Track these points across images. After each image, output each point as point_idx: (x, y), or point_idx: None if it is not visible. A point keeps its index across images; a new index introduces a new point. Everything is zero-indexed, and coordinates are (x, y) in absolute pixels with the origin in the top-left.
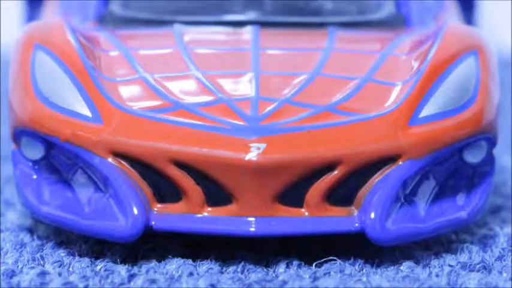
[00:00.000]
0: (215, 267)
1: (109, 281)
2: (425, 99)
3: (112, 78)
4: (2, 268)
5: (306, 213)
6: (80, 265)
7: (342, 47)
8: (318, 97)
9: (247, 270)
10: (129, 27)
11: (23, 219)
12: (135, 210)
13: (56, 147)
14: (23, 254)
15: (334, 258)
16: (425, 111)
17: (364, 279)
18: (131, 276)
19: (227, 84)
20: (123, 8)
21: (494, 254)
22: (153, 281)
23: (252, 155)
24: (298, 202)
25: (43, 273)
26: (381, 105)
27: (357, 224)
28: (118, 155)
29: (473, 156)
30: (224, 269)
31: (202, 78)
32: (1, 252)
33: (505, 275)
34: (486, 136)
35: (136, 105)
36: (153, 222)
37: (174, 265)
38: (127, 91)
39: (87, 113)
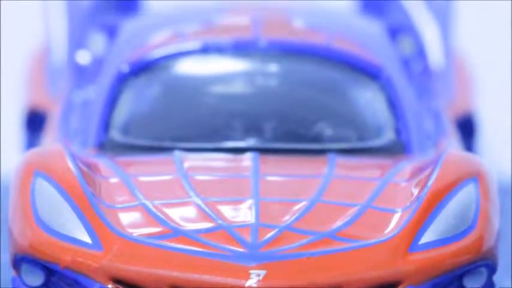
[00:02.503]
0: None
1: None
2: (425, 226)
3: (112, 204)
4: None
5: None
6: None
7: (341, 174)
8: (318, 224)
9: None
10: (129, 154)
11: None
12: None
13: (56, 273)
14: None
15: None
16: (426, 238)
17: None
18: None
19: (227, 210)
20: (123, 135)
21: None
22: None
23: (251, 282)
24: None
25: None
26: (381, 232)
27: None
28: (118, 281)
29: (473, 283)
30: None
31: (202, 205)
32: None
33: None
34: (486, 263)
35: (136, 232)
36: None
37: None
38: (127, 218)
39: (87, 239)
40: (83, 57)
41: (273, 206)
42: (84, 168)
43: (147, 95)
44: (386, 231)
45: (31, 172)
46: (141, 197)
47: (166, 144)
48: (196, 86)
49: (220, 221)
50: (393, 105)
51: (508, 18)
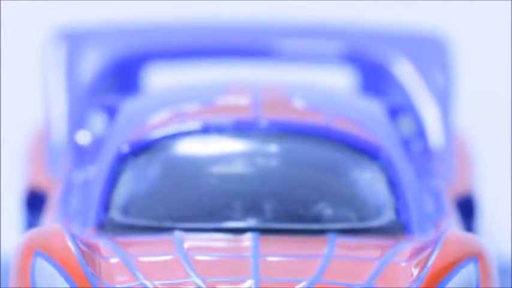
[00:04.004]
0: None
1: None
2: None
3: (112, 285)
4: None
5: None
6: None
7: (341, 254)
8: None
9: None
10: (129, 234)
11: None
12: None
13: None
14: None
15: None
16: None
17: None
18: None
19: None
20: (123, 215)
21: None
22: None
23: None
24: None
25: None
26: None
27: None
28: None
29: None
30: None
31: (202, 285)
32: None
33: None
34: None
35: None
36: None
37: None
38: None
39: None
40: (83, 137)
41: (272, 286)
42: (84, 248)
43: (147, 175)
44: None
45: (31, 252)
46: (141, 277)
47: (167, 224)
48: (197, 166)
49: None
50: (393, 185)
51: (509, 97)
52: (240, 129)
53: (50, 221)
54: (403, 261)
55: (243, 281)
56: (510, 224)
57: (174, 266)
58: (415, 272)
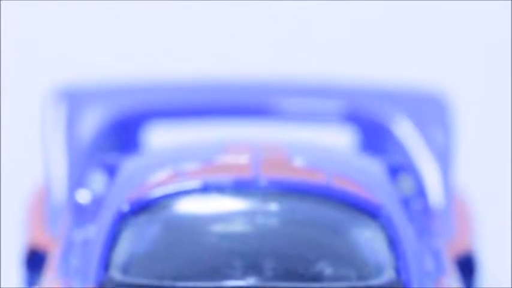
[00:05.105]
0: None
1: None
2: None
3: None
4: None
5: None
6: None
7: None
8: None
9: None
10: None
11: None
12: None
13: None
14: None
15: None
16: None
17: None
18: None
19: None
20: (123, 274)
21: None
22: None
23: None
24: None
25: None
26: None
27: None
28: None
29: None
30: None
31: None
32: None
33: None
34: None
35: None
36: None
37: None
38: None
39: None
40: (83, 196)
41: None
42: None
43: (147, 234)
44: None
45: None
46: None
47: (167, 283)
48: (196, 225)
49: None
50: (393, 244)
51: (508, 148)
52: (240, 188)
53: (50, 279)
54: None
55: None
56: (510, 282)
57: None
58: None
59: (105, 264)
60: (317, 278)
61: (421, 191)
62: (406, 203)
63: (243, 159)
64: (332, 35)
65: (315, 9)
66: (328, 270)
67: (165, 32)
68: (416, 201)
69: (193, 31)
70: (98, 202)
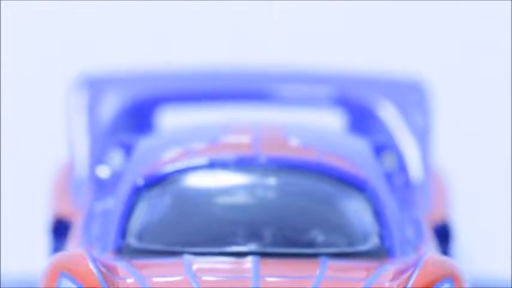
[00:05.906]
0: None
1: None
2: None
3: None
4: None
5: None
6: None
7: (332, 275)
8: None
9: None
10: (143, 258)
11: None
12: None
13: None
14: None
15: None
16: None
17: None
18: None
19: None
20: (139, 241)
21: None
22: None
23: None
24: None
25: None
26: None
27: None
28: None
29: None
30: None
31: None
32: None
33: None
34: None
35: None
36: None
37: None
38: None
39: None
40: (103, 172)
41: None
42: (104, 270)
43: (160, 205)
44: None
45: (57, 273)
46: None
47: (177, 249)
48: (203, 197)
49: None
50: (378, 214)
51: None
52: (242, 164)
53: (74, 246)
54: (387, 281)
55: None
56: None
57: (183, 286)
58: None
59: (123, 232)
60: (310, 244)
61: (402, 167)
62: (389, 177)
63: (244, 138)
64: (325, 30)
65: (310, 7)
66: (320, 237)
67: (177, 24)
68: (398, 176)
69: (201, 26)
70: (116, 177)
